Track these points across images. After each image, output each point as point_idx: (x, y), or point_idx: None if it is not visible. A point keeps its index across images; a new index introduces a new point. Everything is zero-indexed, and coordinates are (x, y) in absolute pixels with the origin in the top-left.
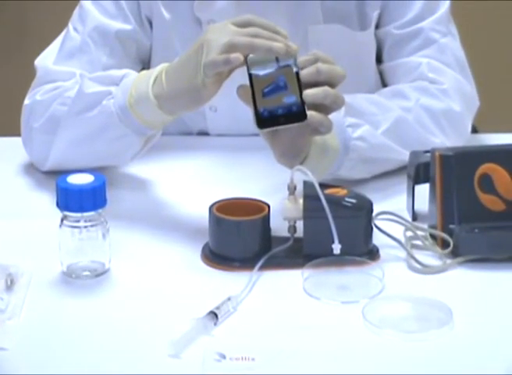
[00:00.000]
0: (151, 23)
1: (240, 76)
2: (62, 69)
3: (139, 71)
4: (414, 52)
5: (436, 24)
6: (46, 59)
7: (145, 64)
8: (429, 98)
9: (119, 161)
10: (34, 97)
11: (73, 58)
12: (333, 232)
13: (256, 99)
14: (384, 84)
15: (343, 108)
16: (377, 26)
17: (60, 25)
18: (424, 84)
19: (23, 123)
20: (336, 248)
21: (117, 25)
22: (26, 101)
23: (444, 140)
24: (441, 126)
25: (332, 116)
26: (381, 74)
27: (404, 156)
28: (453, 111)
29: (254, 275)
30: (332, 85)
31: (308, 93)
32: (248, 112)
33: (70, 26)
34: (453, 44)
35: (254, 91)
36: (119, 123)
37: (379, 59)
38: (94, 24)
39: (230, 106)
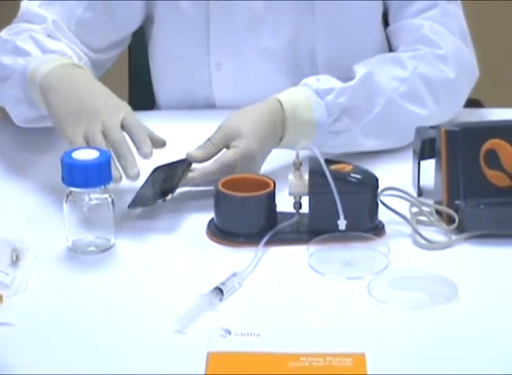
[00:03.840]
0: None
1: (245, 31)
2: (38, 12)
3: (120, 37)
4: (418, 14)
5: None
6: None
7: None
8: (426, 66)
9: (16, 118)
10: (4, 34)
11: (53, 4)
12: (339, 208)
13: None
14: (390, 47)
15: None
16: None
17: None
18: (423, 52)
19: None
20: (342, 223)
21: None
22: (1, 33)
23: (435, 109)
24: (435, 95)
25: (313, 99)
26: (387, 37)
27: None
28: (449, 79)
29: (259, 251)
30: None
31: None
32: (253, 70)
33: None
34: (456, 11)
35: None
36: (17, 83)
37: (387, 24)
38: None
39: (235, 63)
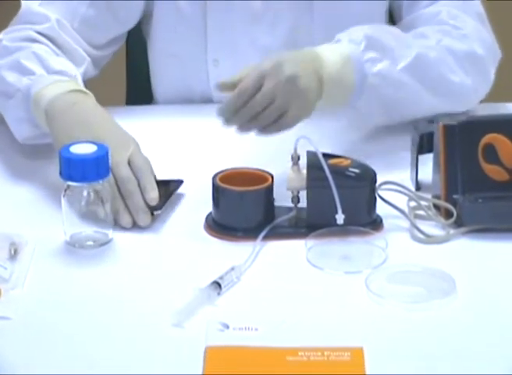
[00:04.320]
0: None
1: (242, 29)
2: (40, 11)
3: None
4: (433, 3)
5: None
6: None
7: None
8: (452, 40)
9: (16, 134)
10: (2, 39)
11: (54, 3)
12: (337, 202)
13: None
14: None
15: (362, 41)
16: None
17: None
18: (446, 28)
19: None
20: (340, 218)
21: None
22: (1, 36)
23: (465, 79)
24: (463, 66)
25: (351, 50)
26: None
27: (424, 98)
28: (476, 53)
29: (257, 245)
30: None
31: None
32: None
33: None
34: None
35: None
36: (20, 102)
37: (393, 23)
38: None
39: (233, 59)
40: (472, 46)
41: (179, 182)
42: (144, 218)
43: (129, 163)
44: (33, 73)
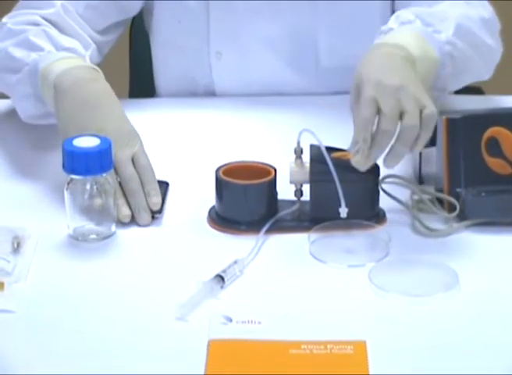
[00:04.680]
0: None
1: (245, 20)
2: None
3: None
4: None
5: None
6: None
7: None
8: (462, 8)
9: (20, 112)
10: (7, 23)
11: None
12: (340, 195)
13: None
14: None
15: (416, 19)
16: None
17: None
18: (451, 1)
19: None
20: (343, 211)
21: None
22: (4, 19)
23: (492, 42)
24: (484, 32)
25: (414, 28)
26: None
27: (476, 63)
28: (486, 18)
29: (260, 238)
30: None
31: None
32: (253, 58)
33: None
34: None
35: None
36: (27, 77)
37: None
38: None
39: (235, 51)
40: (480, 12)
41: (166, 184)
42: (144, 217)
43: (132, 161)
44: (42, 49)
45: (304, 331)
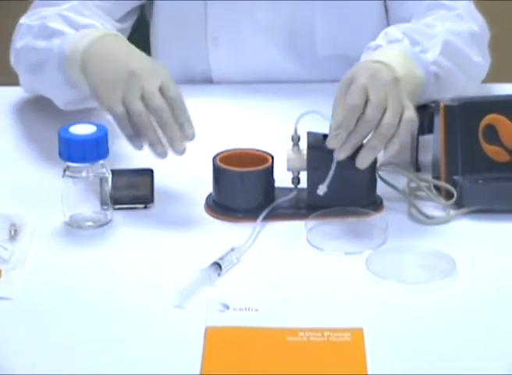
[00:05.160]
0: None
1: (243, 7)
2: None
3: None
4: None
5: None
6: None
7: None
8: (452, 23)
9: (56, 101)
10: (26, 20)
11: None
12: (329, 175)
13: None
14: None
15: (404, 38)
16: None
17: None
18: (442, 13)
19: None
20: (322, 189)
21: None
22: (22, 20)
23: (479, 58)
24: (472, 47)
25: (401, 47)
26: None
27: (461, 81)
28: (475, 32)
29: (257, 226)
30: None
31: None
32: (250, 45)
33: None
34: None
35: None
36: (55, 65)
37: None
38: None
39: (232, 39)
40: (470, 25)
41: (151, 171)
42: (179, 145)
43: (161, 92)
44: (62, 33)
45: (301, 318)
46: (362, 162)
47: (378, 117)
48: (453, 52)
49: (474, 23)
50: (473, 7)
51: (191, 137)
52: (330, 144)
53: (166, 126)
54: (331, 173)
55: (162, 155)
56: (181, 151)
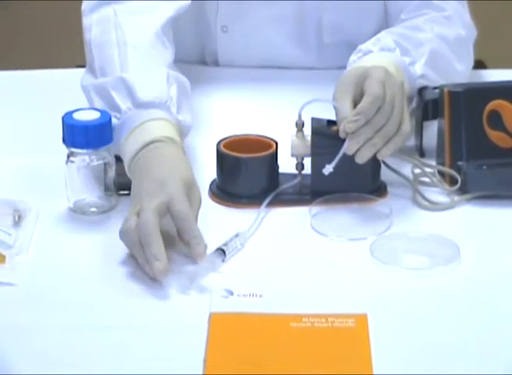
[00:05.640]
0: None
1: None
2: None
3: None
4: None
5: None
6: None
7: None
8: (441, 27)
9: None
10: (91, 27)
11: None
12: (337, 157)
13: None
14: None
15: (396, 48)
16: None
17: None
18: (432, 15)
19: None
20: (328, 168)
21: None
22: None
23: (461, 66)
24: (457, 53)
25: (392, 58)
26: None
27: None
28: (461, 36)
29: (261, 212)
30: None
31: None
32: (259, 33)
33: None
34: None
35: None
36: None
37: None
38: None
39: (241, 27)
40: (457, 30)
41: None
42: (156, 265)
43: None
44: (119, 110)
45: (305, 304)
46: (362, 156)
47: (391, 111)
48: (438, 60)
49: (461, 26)
50: (463, 8)
51: (200, 255)
52: (347, 127)
53: (145, 244)
54: (340, 154)
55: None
56: (158, 273)
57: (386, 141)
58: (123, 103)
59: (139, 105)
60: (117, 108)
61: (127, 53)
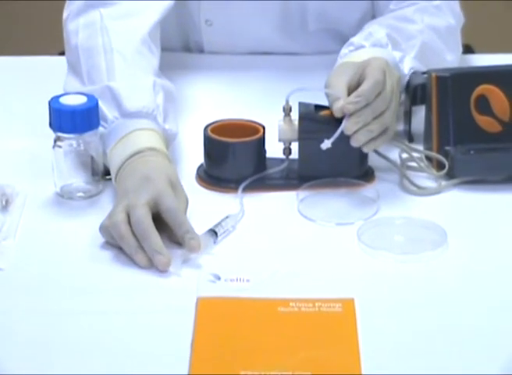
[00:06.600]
0: None
1: None
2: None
3: None
4: None
5: None
6: None
7: None
8: (431, 17)
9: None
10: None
11: None
12: (336, 133)
13: None
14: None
15: (388, 43)
16: None
17: None
18: (422, 4)
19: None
20: (326, 144)
21: None
22: (65, 16)
23: (451, 56)
24: (447, 43)
25: (384, 54)
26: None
27: None
28: (451, 26)
29: (239, 195)
30: None
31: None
32: (243, 25)
33: None
34: None
35: None
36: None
37: None
38: None
39: (226, 20)
40: (447, 19)
41: None
42: (160, 258)
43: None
44: (105, 119)
45: (293, 289)
46: (357, 140)
47: (385, 104)
48: (428, 55)
49: (451, 15)
50: None
51: (196, 249)
52: (346, 108)
53: (143, 239)
54: (339, 131)
55: (144, 263)
56: (162, 266)
57: (382, 130)
58: (110, 113)
59: (126, 114)
60: (104, 118)
61: (114, 60)
